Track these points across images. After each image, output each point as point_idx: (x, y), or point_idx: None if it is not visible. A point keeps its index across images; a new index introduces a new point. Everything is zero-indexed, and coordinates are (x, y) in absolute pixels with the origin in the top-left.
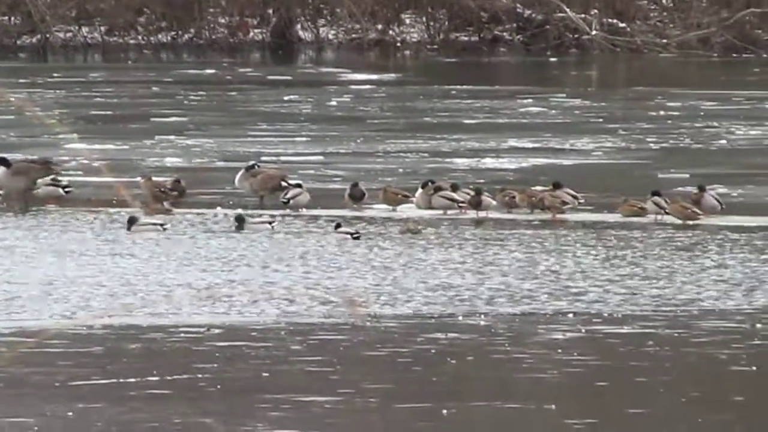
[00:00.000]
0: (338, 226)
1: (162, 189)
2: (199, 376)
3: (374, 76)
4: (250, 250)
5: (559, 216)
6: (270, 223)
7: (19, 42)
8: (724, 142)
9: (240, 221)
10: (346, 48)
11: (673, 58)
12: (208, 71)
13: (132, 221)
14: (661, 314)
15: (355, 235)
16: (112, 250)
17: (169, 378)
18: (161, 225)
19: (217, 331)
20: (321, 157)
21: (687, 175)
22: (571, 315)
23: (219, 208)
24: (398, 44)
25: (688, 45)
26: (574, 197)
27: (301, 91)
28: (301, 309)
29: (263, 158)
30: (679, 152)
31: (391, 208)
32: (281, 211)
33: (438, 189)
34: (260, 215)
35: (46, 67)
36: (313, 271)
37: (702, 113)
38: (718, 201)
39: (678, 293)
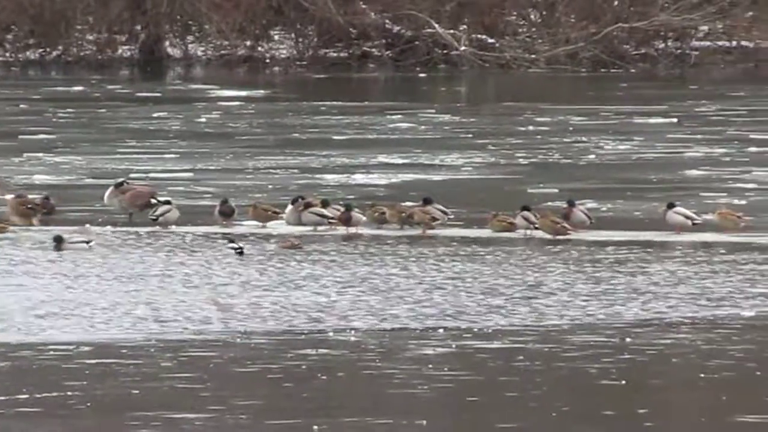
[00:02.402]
0: (232, 240)
1: (30, 206)
2: (69, 393)
3: (243, 93)
4: (116, 267)
5: (429, 232)
6: (87, 242)
7: None
8: (593, 156)
9: (58, 241)
10: (215, 64)
11: (542, 74)
12: (77, 88)
13: None
14: (531, 329)
15: (238, 250)
16: None
17: (38, 396)
18: None
19: (86, 348)
20: (190, 174)
21: (556, 190)
22: (441, 330)
23: (88, 225)
24: (267, 60)
25: (556, 60)
26: (444, 213)
27: (170, 108)
28: (170, 326)
29: (132, 175)
30: (548, 167)
31: (260, 224)
32: (151, 228)
33: (308, 205)
34: (77, 234)
35: None
36: (184, 287)
37: (571, 128)
38: (587, 215)
39: (548, 307)
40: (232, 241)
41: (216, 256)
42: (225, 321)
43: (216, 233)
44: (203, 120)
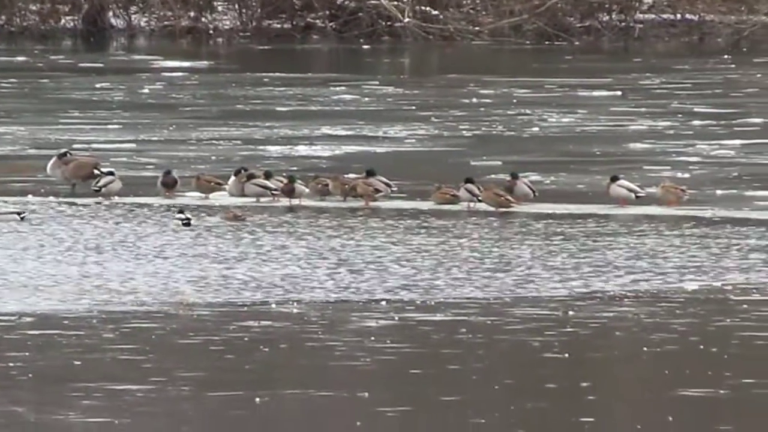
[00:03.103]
0: (181, 211)
1: None
2: (11, 364)
3: (187, 64)
4: (58, 238)
5: (372, 204)
6: (19, 214)
7: None
8: (536, 129)
9: None
10: (159, 35)
11: (485, 46)
12: (20, 58)
13: None
14: (474, 302)
15: (185, 221)
16: None
17: None
18: None
19: (28, 319)
20: (133, 145)
21: (500, 163)
22: (384, 302)
23: (30, 196)
24: (211, 31)
25: (500, 32)
26: (387, 185)
27: (113, 79)
28: (113, 297)
29: (75, 146)
30: (491, 140)
31: (204, 195)
32: (94, 199)
33: (251, 176)
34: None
35: None
36: (126, 258)
37: (514, 101)
38: (530, 188)
39: (491, 280)
40: (181, 212)
41: (159, 227)
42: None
43: (159, 204)
44: (146, 91)
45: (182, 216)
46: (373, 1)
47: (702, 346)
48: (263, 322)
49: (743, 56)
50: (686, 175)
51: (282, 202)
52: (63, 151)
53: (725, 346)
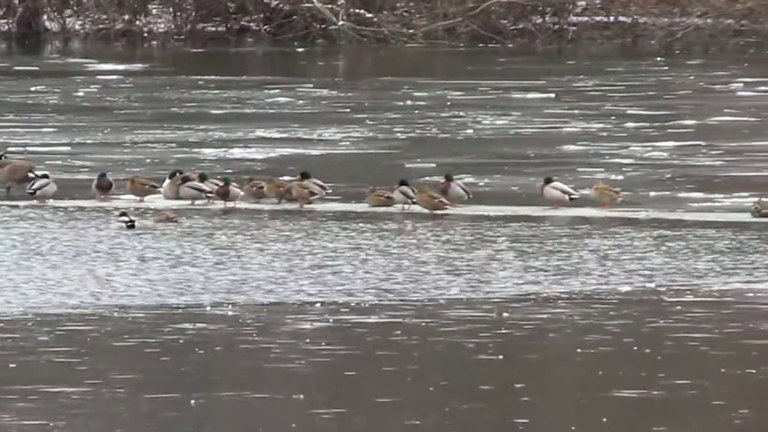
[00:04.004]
0: (124, 214)
1: None
2: None
3: (121, 67)
4: None
5: (306, 206)
6: None
7: None
8: (470, 131)
9: None
10: (93, 38)
11: (420, 48)
12: None
13: None
14: (408, 304)
15: (129, 224)
16: None
17: None
18: None
19: None
20: (68, 148)
21: (434, 165)
22: (318, 305)
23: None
24: (145, 34)
25: (434, 35)
26: (322, 187)
27: (47, 82)
28: (48, 299)
29: (10, 149)
30: (426, 142)
31: (138, 198)
32: (29, 202)
33: (186, 179)
34: None
35: None
36: (61, 261)
37: (449, 103)
38: (464, 190)
39: (425, 282)
40: (124, 214)
41: (95, 229)
42: (102, 294)
43: (94, 207)
44: (81, 94)
45: (126, 219)
46: (307, 4)
47: (636, 347)
48: (198, 325)
49: (676, 58)
50: (620, 177)
51: (217, 204)
52: None
53: (659, 347)
